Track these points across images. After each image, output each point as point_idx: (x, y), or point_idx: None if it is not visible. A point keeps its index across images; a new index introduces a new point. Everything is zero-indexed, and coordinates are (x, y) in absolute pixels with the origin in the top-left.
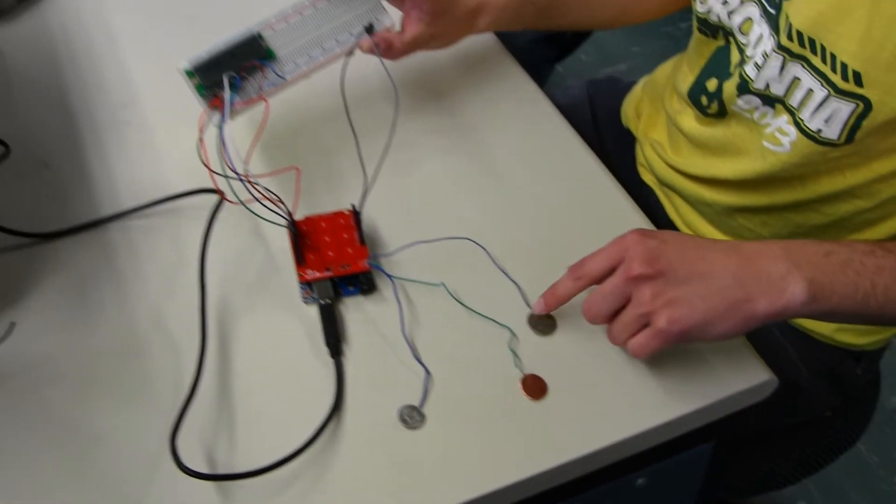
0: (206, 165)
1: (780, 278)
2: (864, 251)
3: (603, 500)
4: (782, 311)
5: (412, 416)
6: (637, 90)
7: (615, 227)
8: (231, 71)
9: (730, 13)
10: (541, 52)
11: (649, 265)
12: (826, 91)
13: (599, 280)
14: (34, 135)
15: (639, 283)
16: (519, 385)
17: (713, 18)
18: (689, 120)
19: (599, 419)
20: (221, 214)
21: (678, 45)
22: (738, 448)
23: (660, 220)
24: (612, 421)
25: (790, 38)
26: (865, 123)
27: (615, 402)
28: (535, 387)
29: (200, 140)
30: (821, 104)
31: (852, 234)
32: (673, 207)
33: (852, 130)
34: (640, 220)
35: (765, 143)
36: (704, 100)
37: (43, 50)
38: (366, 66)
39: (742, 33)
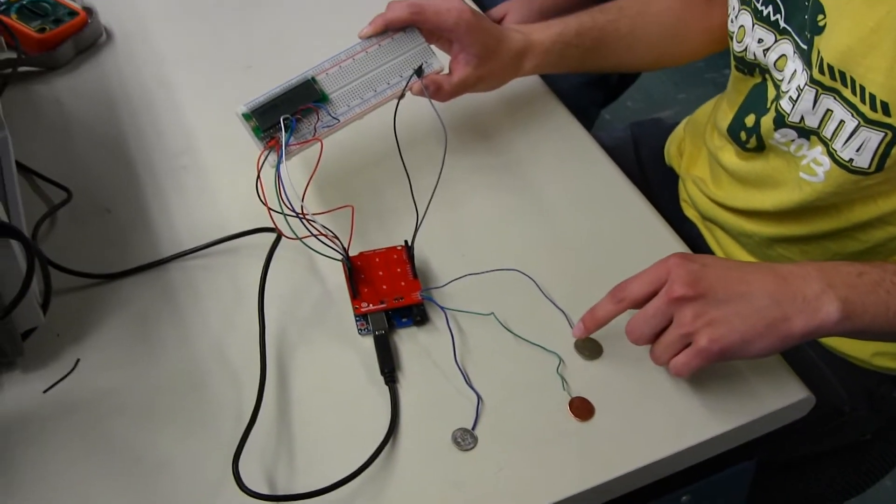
0: (264, 203)
1: (815, 298)
2: (894, 271)
3: None
4: (817, 330)
5: (465, 439)
6: (679, 130)
7: (658, 257)
8: (287, 113)
9: (765, 50)
10: (587, 96)
11: (691, 287)
12: (856, 121)
13: (641, 303)
14: (95, 181)
15: (681, 304)
16: (567, 407)
17: (749, 56)
18: (729, 155)
19: (645, 437)
20: (278, 253)
21: (722, 91)
22: (779, 472)
23: (702, 252)
24: (657, 439)
25: (822, 71)
26: (894, 151)
27: (659, 422)
28: (582, 408)
29: (258, 178)
30: (852, 134)
31: (888, 258)
32: (714, 240)
33: (882, 158)
34: (681, 250)
35: (801, 175)
36: (744, 135)
37: (101, 99)
38: (416, 108)
39: (777, 69)
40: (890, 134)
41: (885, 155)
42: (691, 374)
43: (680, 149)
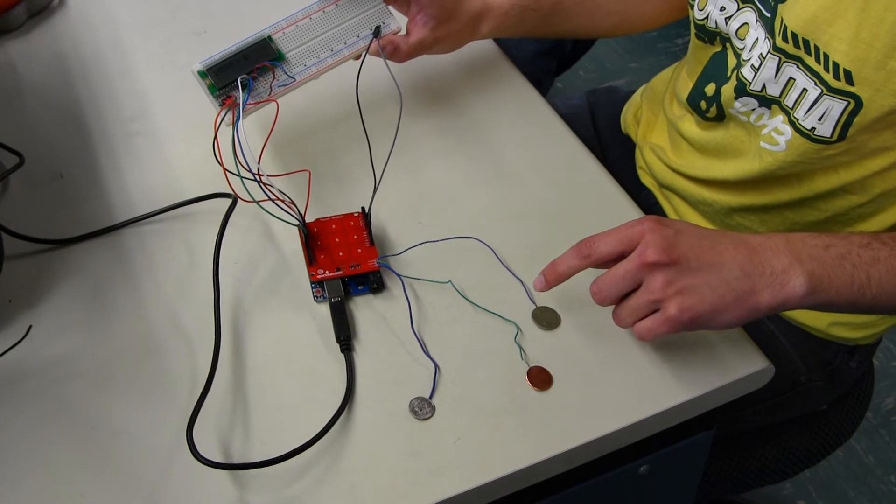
0: (220, 164)
1: (783, 272)
2: (860, 244)
3: (608, 488)
4: (783, 304)
5: (422, 408)
6: (636, 98)
7: (615, 224)
8: (243, 72)
9: (727, 19)
10: (541, 65)
11: (665, 253)
12: (819, 90)
13: (607, 262)
14: (47, 146)
15: (653, 269)
16: (525, 377)
17: (711, 25)
18: (689, 125)
19: (602, 407)
20: (233, 219)
21: (675, 61)
22: (736, 442)
23: None
24: (615, 409)
25: (785, 39)
26: (857, 120)
27: (617, 392)
28: (540, 378)
29: (215, 138)
30: (814, 103)
31: (847, 228)
32: (672, 208)
33: (844, 128)
34: (637, 217)
35: (762, 144)
36: (703, 104)
37: (54, 64)
38: (371, 71)
39: (738, 38)
40: (853, 103)
41: (848, 124)
42: (654, 340)
43: (636, 116)
